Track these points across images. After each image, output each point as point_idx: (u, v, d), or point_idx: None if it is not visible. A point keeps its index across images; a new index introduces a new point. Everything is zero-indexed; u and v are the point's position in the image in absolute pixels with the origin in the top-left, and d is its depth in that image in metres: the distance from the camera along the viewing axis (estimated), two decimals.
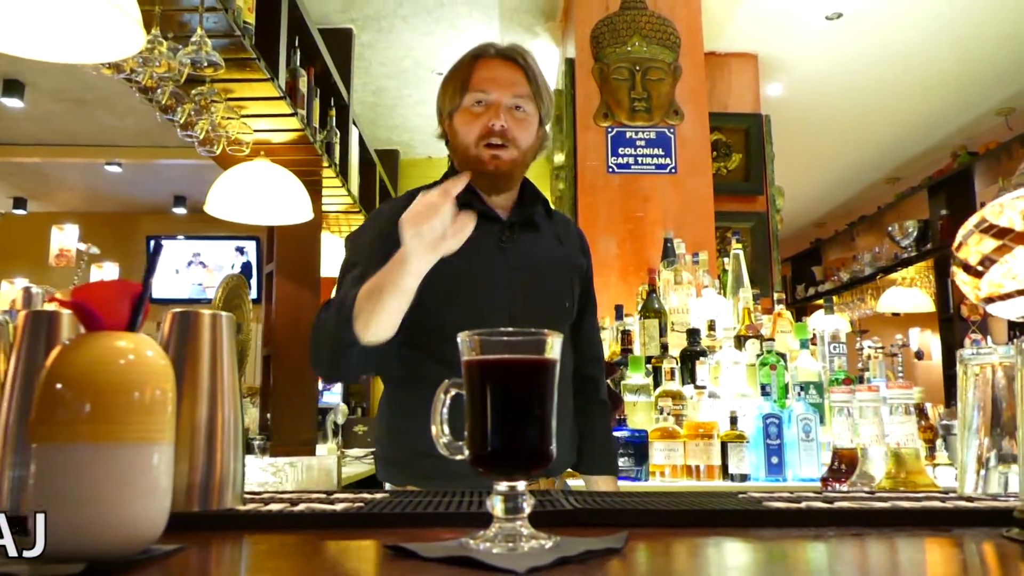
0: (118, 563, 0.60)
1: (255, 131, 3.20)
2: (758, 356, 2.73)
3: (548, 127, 1.58)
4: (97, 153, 6.04)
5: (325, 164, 3.75)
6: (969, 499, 0.93)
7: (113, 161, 6.15)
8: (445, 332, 1.39)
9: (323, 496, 0.93)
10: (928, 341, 7.56)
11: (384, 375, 1.55)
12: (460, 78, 1.49)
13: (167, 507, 0.65)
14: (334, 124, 3.91)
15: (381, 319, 1.26)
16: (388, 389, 1.55)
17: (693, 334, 2.77)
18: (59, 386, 0.62)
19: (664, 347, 2.82)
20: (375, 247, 1.40)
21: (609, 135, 3.59)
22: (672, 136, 3.63)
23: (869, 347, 4.63)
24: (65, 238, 6.69)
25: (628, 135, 3.61)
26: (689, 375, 2.82)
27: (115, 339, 0.65)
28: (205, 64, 2.37)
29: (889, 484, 1.19)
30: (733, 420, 2.47)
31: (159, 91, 2.67)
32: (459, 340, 0.71)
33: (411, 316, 1.33)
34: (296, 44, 3.30)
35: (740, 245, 3.14)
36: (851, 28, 4.06)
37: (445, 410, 0.74)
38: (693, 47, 3.70)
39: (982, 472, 1.05)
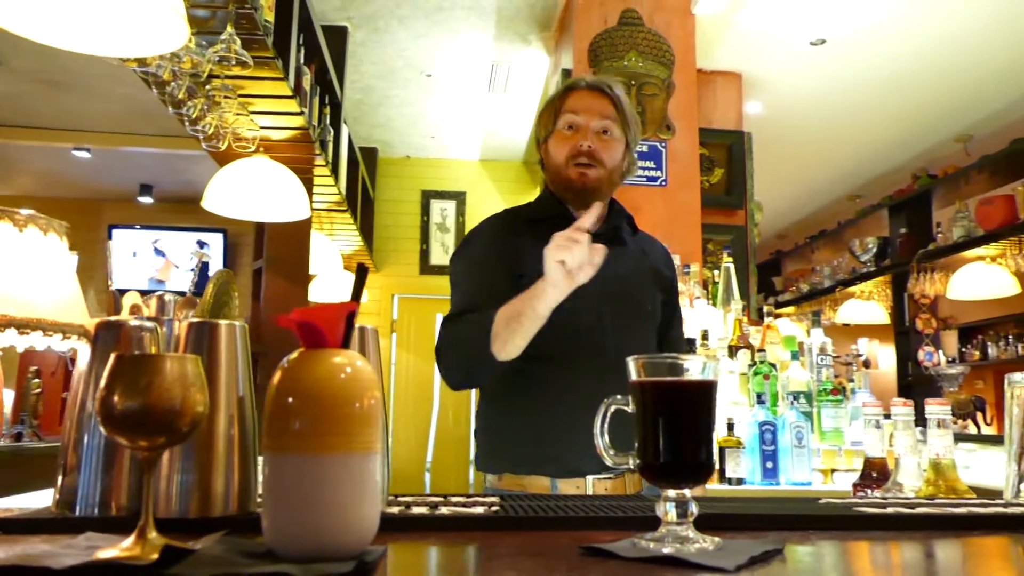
0: (373, 562, 0.66)
1: (260, 127, 3.21)
2: (750, 366, 2.86)
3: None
4: (66, 137, 5.90)
5: (320, 162, 3.77)
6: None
7: (82, 146, 6.02)
8: (543, 336, 1.51)
9: (461, 500, 1.00)
10: (876, 351, 7.89)
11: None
12: (554, 107, 1.63)
13: (380, 510, 0.71)
14: (328, 122, 3.93)
15: (516, 341, 1.43)
16: (487, 389, 1.66)
17: (690, 343, 2.88)
18: (292, 400, 0.68)
19: None
20: (483, 262, 1.60)
21: None
22: (664, 150, 3.75)
23: (828, 343, 4.84)
24: None
25: None
26: None
27: (337, 355, 0.71)
28: (234, 62, 2.39)
29: (931, 491, 1.31)
30: (730, 427, 2.59)
31: (174, 85, 2.67)
32: (629, 363, 0.79)
33: None
34: (301, 41, 3.32)
35: (730, 258, 3.28)
36: (832, 55, 4.25)
37: (606, 424, 0.82)
38: (686, 65, 3.82)
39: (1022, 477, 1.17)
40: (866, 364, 8.89)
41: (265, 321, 3.80)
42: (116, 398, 0.70)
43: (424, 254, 6.14)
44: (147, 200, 7.05)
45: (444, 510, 0.93)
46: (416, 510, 0.92)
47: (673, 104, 3.78)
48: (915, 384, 5.46)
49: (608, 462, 0.82)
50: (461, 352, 1.51)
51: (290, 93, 2.97)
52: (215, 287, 3.62)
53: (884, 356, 7.59)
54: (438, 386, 5.88)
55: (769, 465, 2.55)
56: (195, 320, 0.91)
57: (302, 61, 3.33)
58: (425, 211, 6.19)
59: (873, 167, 5.99)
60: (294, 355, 0.72)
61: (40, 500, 1.47)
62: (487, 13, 4.09)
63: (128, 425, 0.71)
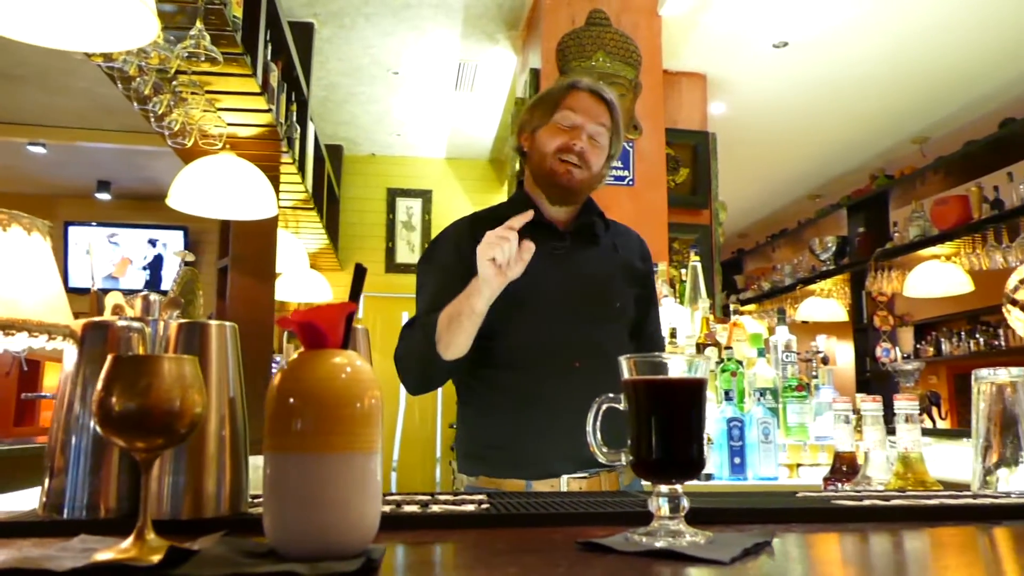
0: (378, 560, 0.66)
1: (227, 124, 3.18)
2: (718, 363, 2.91)
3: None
4: (21, 132, 5.76)
5: (286, 160, 3.74)
6: (993, 497, 1.09)
7: (37, 141, 5.88)
8: (509, 336, 1.53)
9: (450, 498, 1.01)
10: (834, 347, 8.05)
11: (457, 380, 1.69)
12: (552, 100, 1.65)
13: (380, 508, 0.72)
14: (295, 119, 3.90)
15: (459, 340, 1.46)
16: (462, 391, 1.67)
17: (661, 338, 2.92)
18: (294, 400, 0.69)
19: None
20: (447, 267, 1.60)
21: None
22: (631, 150, 3.79)
23: (793, 340, 4.94)
24: None
25: None
26: None
27: (338, 356, 0.72)
28: (203, 58, 2.36)
29: (900, 484, 1.35)
30: None
31: (140, 81, 2.63)
32: (622, 362, 0.81)
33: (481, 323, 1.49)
34: (268, 37, 3.29)
35: (698, 257, 3.33)
36: (794, 57, 4.33)
37: (598, 422, 0.84)
38: (653, 65, 3.87)
39: (988, 469, 1.22)
40: (824, 360, 9.05)
41: (231, 319, 3.76)
42: (114, 399, 0.70)
43: (390, 252, 6.12)
44: (105, 197, 6.91)
45: (436, 508, 0.94)
46: (408, 508, 0.93)
47: (640, 104, 3.81)
48: (873, 380, 5.59)
49: (601, 459, 0.83)
50: (412, 357, 1.56)
51: (258, 90, 2.94)
52: (180, 285, 3.56)
53: (842, 352, 7.75)
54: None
55: (737, 461, 2.60)
56: (185, 321, 0.91)
57: (269, 57, 3.30)
58: (391, 209, 6.17)
59: (832, 167, 6.11)
60: (295, 356, 0.72)
61: (7, 503, 1.44)
62: (454, 11, 4.09)
63: (126, 427, 0.71)
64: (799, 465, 2.68)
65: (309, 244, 5.33)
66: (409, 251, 6.12)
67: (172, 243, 6.98)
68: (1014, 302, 0.90)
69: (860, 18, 3.99)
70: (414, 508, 0.93)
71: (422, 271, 1.71)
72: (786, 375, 2.93)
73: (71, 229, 6.93)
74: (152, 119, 2.83)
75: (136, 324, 0.95)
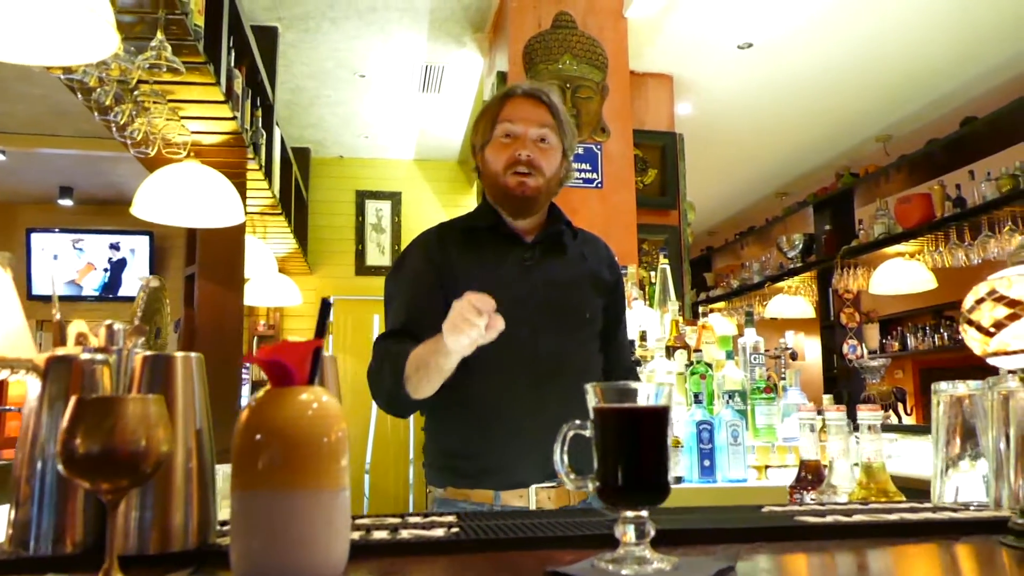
0: None
1: (191, 133, 3.14)
2: (687, 366, 2.94)
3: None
4: None
5: (253, 166, 3.70)
6: (952, 510, 1.12)
7: None
8: (479, 350, 1.52)
9: (416, 522, 1.01)
10: (803, 343, 8.17)
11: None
12: (491, 115, 1.63)
13: (348, 544, 0.72)
14: (260, 124, 3.87)
15: (427, 388, 1.49)
16: (428, 404, 1.65)
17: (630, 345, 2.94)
18: (260, 438, 0.69)
19: None
20: (418, 275, 1.62)
21: None
22: (599, 152, 3.81)
23: (761, 342, 4.99)
24: None
25: None
26: None
27: (304, 393, 0.72)
28: (165, 69, 2.33)
29: (863, 493, 1.38)
30: None
31: (100, 91, 2.59)
32: (588, 390, 0.82)
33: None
34: (231, 43, 3.26)
35: (666, 260, 3.36)
36: (759, 58, 4.38)
37: (565, 448, 0.85)
38: (619, 67, 3.89)
39: (947, 480, 1.24)
40: (793, 356, 9.19)
41: (199, 327, 3.72)
42: (78, 442, 0.70)
43: (360, 255, 6.09)
44: (67, 203, 6.79)
45: (405, 533, 0.94)
46: (376, 535, 0.93)
47: (607, 106, 3.84)
48: (839, 376, 5.68)
49: (569, 486, 0.84)
50: (383, 389, 1.56)
51: (222, 98, 2.91)
52: (145, 295, 3.52)
53: (811, 348, 7.86)
54: None
55: (707, 463, 2.63)
56: (150, 353, 0.90)
57: (233, 64, 3.27)
58: (360, 211, 6.14)
59: (798, 166, 6.20)
60: (261, 393, 0.72)
61: None
62: (420, 14, 4.08)
63: (91, 469, 0.71)
64: (767, 467, 2.71)
65: (278, 249, 5.29)
66: (379, 253, 6.09)
67: (138, 248, 6.88)
68: (970, 322, 0.92)
69: (823, 19, 4.05)
70: (383, 534, 0.93)
71: (391, 283, 1.70)
72: (754, 377, 2.96)
73: (34, 236, 6.81)
74: (114, 129, 2.79)
75: (100, 356, 0.94)
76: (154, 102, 2.78)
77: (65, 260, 6.83)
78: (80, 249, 6.87)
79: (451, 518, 1.08)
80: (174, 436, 0.88)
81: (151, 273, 6.78)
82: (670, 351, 3.03)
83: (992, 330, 0.88)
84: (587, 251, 1.77)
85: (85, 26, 1.88)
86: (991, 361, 0.92)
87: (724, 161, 5.98)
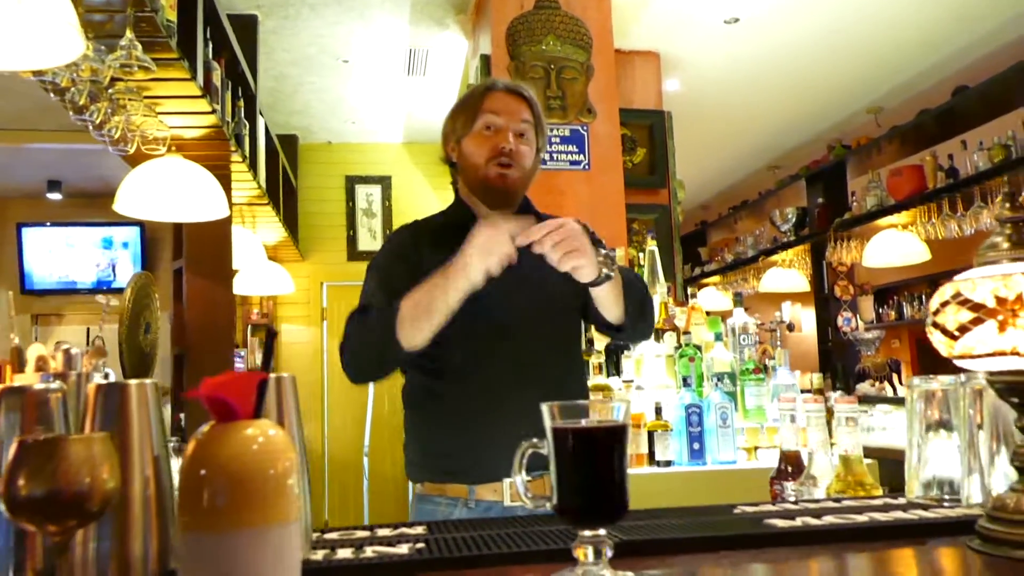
0: None
1: (170, 128, 3.11)
2: (676, 348, 2.93)
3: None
4: None
5: (236, 158, 3.67)
6: (924, 507, 1.11)
7: None
8: (453, 344, 1.52)
9: (384, 536, 1.01)
10: (799, 314, 8.16)
11: (404, 387, 1.69)
12: (472, 107, 1.64)
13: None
14: (243, 115, 3.83)
15: (425, 332, 1.45)
16: (407, 398, 1.69)
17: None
18: (203, 477, 0.68)
19: (590, 342, 2.97)
20: (398, 269, 1.59)
21: None
22: (585, 134, 3.78)
23: (750, 322, 4.98)
24: None
25: None
26: (615, 368, 3.01)
27: (249, 427, 0.71)
28: (136, 68, 2.30)
29: (839, 486, 1.37)
30: (658, 410, 2.66)
31: (74, 91, 2.56)
32: (543, 409, 0.81)
33: None
34: (208, 35, 3.21)
35: (654, 242, 3.34)
36: (746, 32, 4.33)
37: (523, 467, 0.84)
38: (604, 47, 3.84)
39: (921, 473, 1.24)
40: (790, 328, 9.17)
41: (188, 322, 3.71)
42: (21, 485, 0.69)
43: (351, 240, 6.06)
44: (56, 196, 6.75)
45: (369, 551, 0.94)
46: (341, 553, 0.93)
47: (593, 87, 3.80)
48: (834, 349, 5.68)
49: (528, 504, 0.84)
50: (368, 345, 1.52)
51: (199, 93, 2.88)
52: (133, 291, 3.50)
53: (808, 319, 7.86)
54: None
55: (696, 446, 2.63)
56: (103, 382, 0.89)
57: (211, 56, 3.23)
58: (350, 197, 6.10)
59: (790, 139, 6.15)
60: (206, 428, 0.71)
61: None
62: None
63: (35, 511, 0.70)
64: (757, 448, 2.71)
65: (267, 237, 5.26)
66: (371, 238, 6.07)
67: (130, 240, 6.83)
68: (935, 324, 0.91)
69: None
70: (348, 552, 0.93)
71: (369, 275, 1.69)
72: (743, 358, 2.96)
73: (25, 230, 6.79)
74: (91, 127, 2.76)
75: (55, 385, 0.93)
76: (130, 99, 2.75)
77: (57, 254, 6.81)
78: (72, 244, 6.84)
79: (421, 529, 1.07)
80: (129, 464, 0.87)
81: (143, 265, 6.77)
82: (659, 334, 3.02)
83: (956, 334, 0.87)
84: None
85: (49, 31, 1.86)
86: (959, 363, 0.91)
87: (715, 136, 5.93)
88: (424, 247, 1.63)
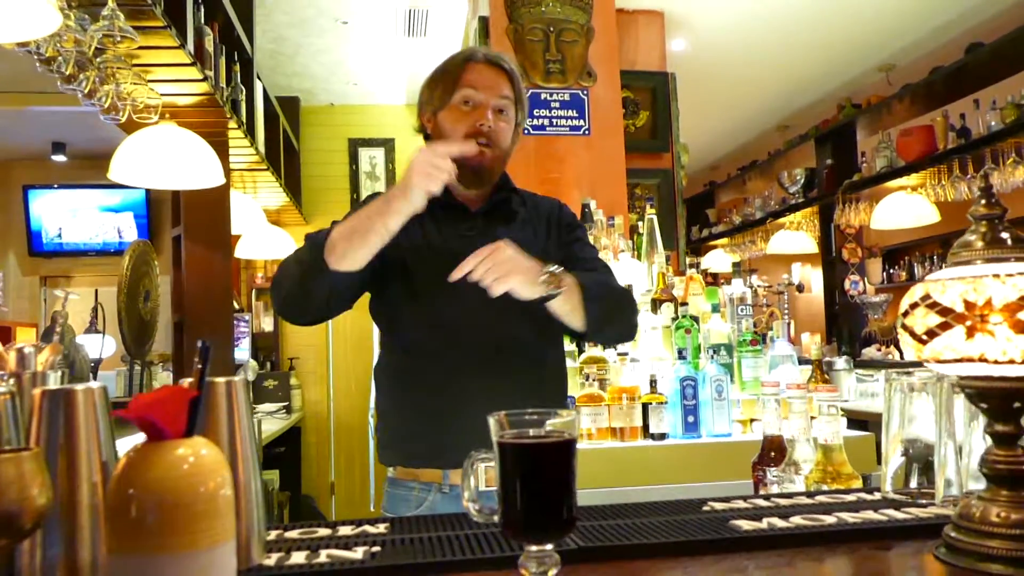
0: None
1: (161, 96, 3.07)
2: (673, 319, 2.90)
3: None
4: None
5: (232, 125, 3.63)
6: (896, 505, 1.09)
7: None
8: (421, 325, 1.50)
9: (344, 536, 1.00)
10: (809, 275, 8.10)
11: (374, 368, 1.70)
12: (450, 78, 1.57)
13: None
14: (239, 80, 3.78)
15: (359, 254, 1.40)
16: (378, 379, 1.68)
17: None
18: (130, 499, 0.66)
19: None
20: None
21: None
22: (586, 98, 3.71)
23: (758, 285, 4.94)
24: None
25: (543, 97, 3.66)
26: None
27: (180, 447, 0.69)
28: (119, 39, 2.26)
29: (818, 475, 1.36)
30: (653, 383, 2.64)
31: (60, 60, 2.52)
32: (490, 420, 0.79)
33: (386, 310, 1.54)
34: (200, 0, 3.15)
35: (653, 210, 3.29)
36: None
37: (473, 479, 0.82)
38: (605, 8, 3.75)
39: (894, 466, 1.22)
40: (799, 288, 9.08)
41: (187, 289, 3.71)
42: None
43: (355, 203, 5.97)
44: (61, 158, 6.74)
45: (324, 554, 0.93)
46: (295, 557, 0.92)
47: (593, 50, 3.72)
48: (841, 313, 5.63)
49: (476, 518, 0.82)
50: (292, 270, 1.48)
51: (189, 60, 2.83)
52: (131, 259, 3.50)
53: (817, 280, 7.79)
54: (376, 337, 5.87)
55: (691, 419, 2.61)
56: (48, 388, 0.87)
57: (203, 21, 3.16)
58: (353, 160, 6.05)
59: (799, 98, 6.02)
60: (135, 448, 0.70)
61: None
62: None
63: None
64: (753, 420, 2.70)
65: (268, 203, 5.23)
66: None
67: (135, 201, 6.83)
68: (904, 327, 0.88)
69: None
70: (301, 557, 0.92)
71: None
72: (741, 329, 2.93)
73: (31, 192, 6.80)
74: (80, 96, 2.73)
75: (2, 389, 0.92)
76: (118, 68, 2.71)
77: (64, 217, 6.84)
78: (78, 206, 6.86)
79: (383, 528, 1.06)
80: (77, 471, 0.86)
81: (148, 226, 6.78)
82: (656, 304, 2.98)
83: (925, 338, 0.84)
84: (535, 213, 1.71)
85: (24, 3, 1.82)
86: (930, 366, 0.88)
87: (723, 96, 5.81)
88: None
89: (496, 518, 0.80)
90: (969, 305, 0.83)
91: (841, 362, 4.43)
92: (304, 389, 5.74)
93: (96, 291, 5.05)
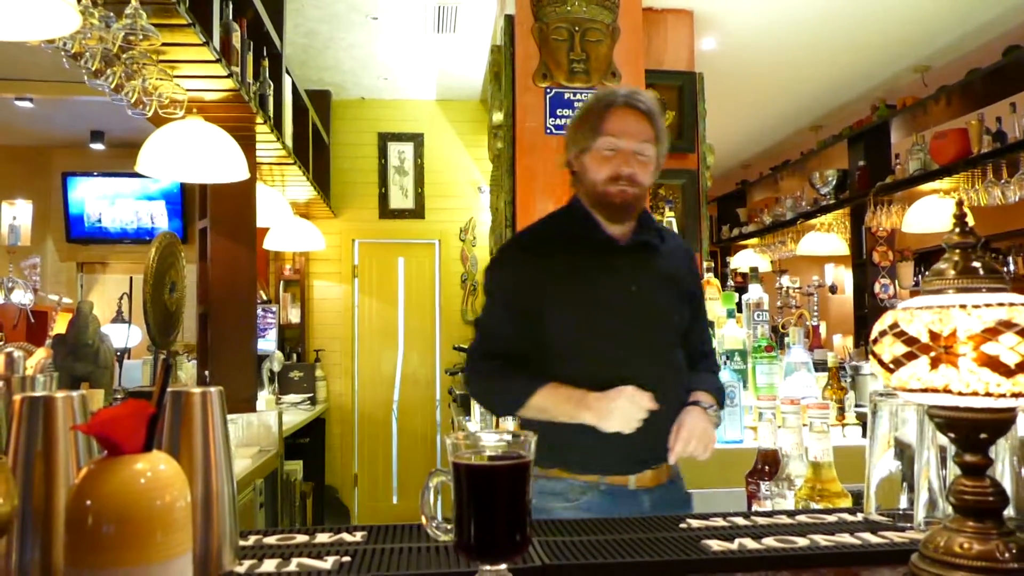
0: None
1: (187, 91, 3.12)
2: None
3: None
4: (6, 87, 5.71)
5: (259, 120, 3.68)
6: (874, 528, 1.08)
7: (24, 96, 5.84)
8: (575, 356, 1.67)
9: (319, 544, 1.02)
10: (842, 276, 7.97)
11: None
12: (593, 124, 1.69)
13: None
14: (267, 75, 3.82)
15: (540, 420, 1.66)
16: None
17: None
18: (86, 511, 0.69)
19: None
20: (509, 303, 1.75)
21: (547, 96, 3.63)
22: None
23: (788, 285, 4.88)
24: None
25: (566, 96, 3.65)
26: None
27: (138, 462, 0.71)
28: (141, 37, 2.30)
29: (807, 492, 1.35)
30: None
31: (87, 56, 2.57)
32: (447, 441, 0.80)
33: (542, 335, 1.68)
34: None
35: (672, 213, 3.27)
36: None
37: (431, 495, 0.83)
38: (631, 8, 3.72)
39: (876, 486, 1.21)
40: (832, 289, 8.94)
41: (212, 281, 3.78)
42: None
43: (383, 198, 6.06)
44: (99, 147, 6.89)
45: (294, 563, 0.95)
46: (266, 565, 0.94)
47: (618, 50, 3.69)
48: (870, 315, 5.54)
49: (435, 535, 0.83)
50: (492, 399, 1.79)
51: (214, 58, 2.87)
52: (157, 251, 3.57)
53: (849, 282, 7.67)
54: (402, 329, 5.93)
55: None
56: (28, 395, 0.90)
57: (231, 17, 3.21)
58: (383, 154, 6.09)
59: (833, 98, 5.92)
60: (94, 462, 0.72)
61: None
62: None
63: None
64: None
65: (296, 196, 5.29)
66: (403, 197, 6.06)
67: (169, 190, 6.95)
68: (873, 353, 0.87)
69: None
70: (272, 566, 0.94)
71: (488, 287, 1.83)
72: (756, 335, 2.90)
73: (71, 180, 6.97)
74: (108, 91, 2.79)
75: None
76: (144, 64, 2.76)
77: (102, 203, 7.00)
78: (116, 194, 7.01)
79: (360, 536, 1.08)
80: (54, 476, 0.89)
81: (182, 216, 6.90)
82: None
83: (892, 367, 0.83)
84: (673, 256, 1.85)
85: (42, 4, 1.86)
86: (898, 394, 0.87)
87: (754, 95, 5.74)
88: (553, 256, 1.73)
89: (451, 537, 0.81)
90: (934, 336, 0.82)
91: (867, 366, 4.36)
92: (329, 381, 5.81)
93: (131, 278, 5.17)
